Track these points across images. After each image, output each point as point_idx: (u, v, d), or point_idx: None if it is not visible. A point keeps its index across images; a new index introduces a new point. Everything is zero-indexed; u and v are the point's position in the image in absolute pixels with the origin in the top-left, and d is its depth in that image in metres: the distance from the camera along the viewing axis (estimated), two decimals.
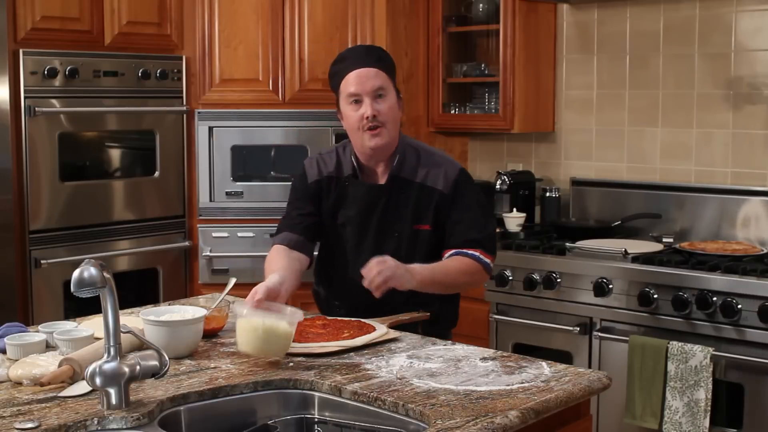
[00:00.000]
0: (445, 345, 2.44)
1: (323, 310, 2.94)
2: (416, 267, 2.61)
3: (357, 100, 2.71)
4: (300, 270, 2.74)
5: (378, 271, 2.49)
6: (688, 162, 4.28)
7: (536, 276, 3.94)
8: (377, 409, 2.00)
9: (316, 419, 2.12)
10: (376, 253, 2.58)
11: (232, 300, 2.93)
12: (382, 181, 2.82)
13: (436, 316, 2.83)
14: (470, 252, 2.73)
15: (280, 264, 2.68)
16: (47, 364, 2.12)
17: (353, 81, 2.70)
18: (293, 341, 2.34)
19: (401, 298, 2.69)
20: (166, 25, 4.44)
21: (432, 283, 2.65)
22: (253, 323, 2.27)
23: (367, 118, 2.69)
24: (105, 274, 1.87)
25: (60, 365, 2.09)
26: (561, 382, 2.10)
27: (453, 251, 2.75)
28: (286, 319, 2.29)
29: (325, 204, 2.86)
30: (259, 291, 2.42)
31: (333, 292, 2.90)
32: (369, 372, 2.18)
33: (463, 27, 4.76)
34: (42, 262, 3.98)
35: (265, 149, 4.57)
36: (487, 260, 2.76)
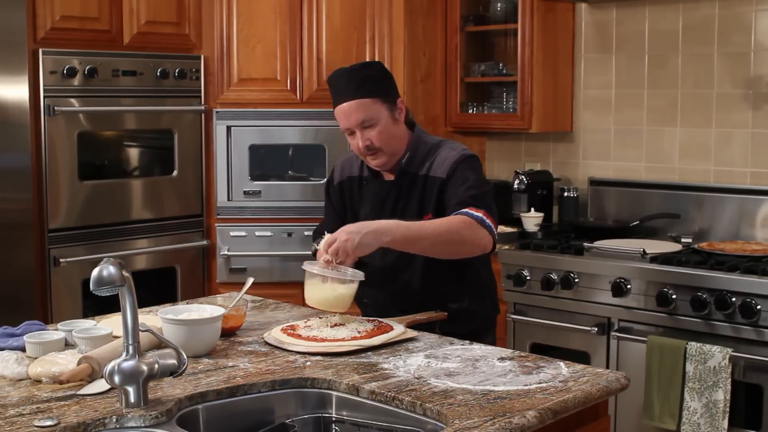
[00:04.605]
0: (462, 345, 2.44)
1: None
2: (391, 225, 2.57)
3: (350, 132, 2.81)
4: None
5: (325, 251, 2.51)
6: (707, 162, 4.26)
7: (554, 276, 3.93)
8: (395, 409, 2.00)
9: (333, 418, 2.12)
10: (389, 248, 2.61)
11: (250, 299, 2.94)
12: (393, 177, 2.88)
13: (459, 313, 2.87)
14: (461, 210, 2.67)
15: None
16: (66, 362, 2.13)
17: (340, 117, 2.80)
18: (311, 340, 2.39)
19: (421, 296, 2.81)
20: (184, 24, 4.45)
21: (408, 240, 2.58)
22: (319, 279, 2.54)
23: (361, 148, 2.80)
24: (124, 272, 1.87)
25: (79, 363, 2.09)
26: (579, 383, 2.10)
27: None
28: (348, 277, 2.52)
29: (348, 204, 2.97)
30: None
31: (360, 290, 2.92)
32: (386, 371, 2.18)
33: (481, 26, 4.75)
34: (61, 260, 4.00)
35: (283, 148, 4.57)
36: (478, 213, 2.65)
